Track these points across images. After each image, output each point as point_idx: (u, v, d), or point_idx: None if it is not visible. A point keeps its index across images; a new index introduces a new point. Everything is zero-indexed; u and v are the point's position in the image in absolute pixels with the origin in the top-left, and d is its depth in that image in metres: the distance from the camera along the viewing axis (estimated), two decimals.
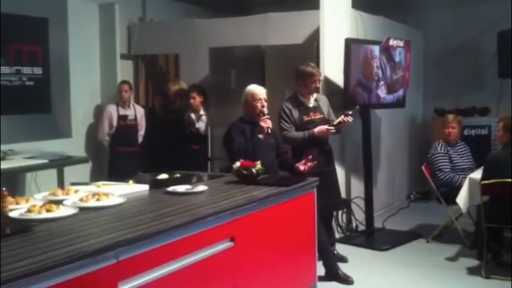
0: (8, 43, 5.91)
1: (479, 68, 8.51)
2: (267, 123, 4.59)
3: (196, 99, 6.55)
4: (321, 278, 4.59)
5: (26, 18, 6.08)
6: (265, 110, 4.64)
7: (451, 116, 6.35)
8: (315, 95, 5.30)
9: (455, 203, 5.37)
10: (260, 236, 3.55)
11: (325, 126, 5.11)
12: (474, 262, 5.25)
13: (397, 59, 6.45)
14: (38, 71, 6.25)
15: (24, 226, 2.65)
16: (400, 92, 6.61)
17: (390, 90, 6.41)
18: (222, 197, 3.49)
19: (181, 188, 3.63)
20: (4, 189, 2.97)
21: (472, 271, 5.06)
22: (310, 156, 4.66)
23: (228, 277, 3.24)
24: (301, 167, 4.64)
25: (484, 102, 8.21)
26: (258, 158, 4.13)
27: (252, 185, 3.85)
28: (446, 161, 6.06)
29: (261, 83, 5.75)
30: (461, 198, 5.26)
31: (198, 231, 2.97)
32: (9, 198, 3.00)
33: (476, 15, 8.26)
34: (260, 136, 4.60)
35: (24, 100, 6.14)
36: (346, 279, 4.77)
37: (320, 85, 5.30)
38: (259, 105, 4.66)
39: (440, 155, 6.09)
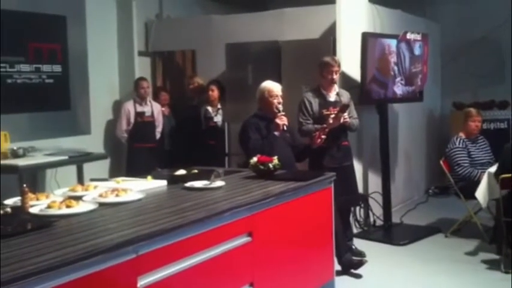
0: (27, 41, 5.98)
1: (498, 61, 8.42)
2: (282, 120, 4.60)
3: (215, 92, 6.65)
4: (339, 273, 4.60)
5: (45, 16, 6.15)
6: (281, 106, 4.64)
7: (474, 111, 6.25)
8: (336, 89, 5.28)
9: (474, 198, 5.33)
10: (278, 231, 3.56)
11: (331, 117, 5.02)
12: (493, 257, 5.21)
13: (416, 52, 6.41)
14: (57, 68, 6.31)
15: (44, 222, 2.69)
16: (418, 85, 6.57)
17: (408, 83, 6.38)
18: (240, 192, 3.51)
19: (199, 184, 3.65)
20: (25, 185, 3.02)
21: (491, 266, 5.03)
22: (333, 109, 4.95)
23: (245, 271, 3.26)
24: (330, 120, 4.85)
25: (503, 96, 8.12)
26: (275, 154, 4.15)
27: (269, 180, 3.86)
28: (465, 155, 6.02)
29: (278, 78, 5.77)
30: (480, 192, 5.21)
31: (216, 226, 2.99)
32: (30, 195, 3.04)
33: (495, 8, 8.18)
34: (276, 133, 4.62)
35: (44, 97, 6.21)
36: (359, 254, 5.01)
37: (337, 77, 5.26)
38: (275, 101, 4.68)
39: (459, 149, 6.04)
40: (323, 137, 4.68)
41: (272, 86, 4.75)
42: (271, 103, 4.68)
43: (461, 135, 6.16)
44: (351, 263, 4.75)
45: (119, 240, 2.42)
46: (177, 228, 2.72)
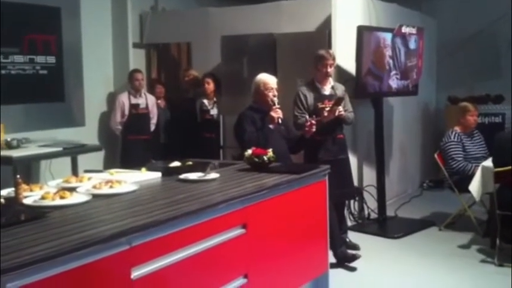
0: (21, 32, 5.96)
1: (494, 55, 8.43)
2: (277, 113, 4.60)
3: (211, 85, 6.65)
4: (333, 266, 4.61)
5: (39, 8, 6.13)
6: (276, 99, 4.64)
7: (471, 105, 6.25)
8: (332, 83, 5.28)
9: (468, 191, 5.35)
10: (272, 223, 3.56)
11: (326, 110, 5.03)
12: (487, 250, 5.23)
13: (411, 46, 6.41)
14: (51, 60, 6.30)
15: (38, 213, 2.68)
16: (413, 79, 6.58)
17: (403, 77, 6.39)
18: (234, 184, 3.50)
19: (193, 176, 3.64)
20: (18, 176, 3.01)
21: (484, 259, 5.06)
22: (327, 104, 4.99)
23: (240, 263, 3.26)
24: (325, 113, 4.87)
25: (498, 90, 8.14)
26: (270, 147, 4.15)
27: (263, 173, 3.86)
28: (459, 149, 6.03)
29: (273, 71, 5.76)
30: (474, 186, 5.24)
31: (210, 218, 2.99)
32: (24, 186, 3.03)
33: (492, 2, 8.18)
34: (271, 126, 4.61)
35: (38, 89, 6.19)
36: (353, 247, 5.00)
37: (332, 71, 5.25)
38: (270, 94, 4.67)
39: (453, 143, 6.05)
40: (314, 122, 4.62)
41: (267, 79, 4.74)
42: (267, 96, 4.67)
43: (457, 129, 6.16)
44: (346, 256, 4.77)
45: (112, 232, 2.42)
46: (171, 220, 2.72)
